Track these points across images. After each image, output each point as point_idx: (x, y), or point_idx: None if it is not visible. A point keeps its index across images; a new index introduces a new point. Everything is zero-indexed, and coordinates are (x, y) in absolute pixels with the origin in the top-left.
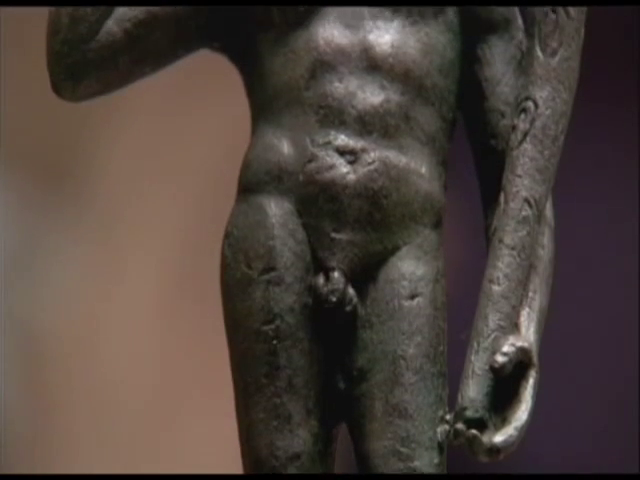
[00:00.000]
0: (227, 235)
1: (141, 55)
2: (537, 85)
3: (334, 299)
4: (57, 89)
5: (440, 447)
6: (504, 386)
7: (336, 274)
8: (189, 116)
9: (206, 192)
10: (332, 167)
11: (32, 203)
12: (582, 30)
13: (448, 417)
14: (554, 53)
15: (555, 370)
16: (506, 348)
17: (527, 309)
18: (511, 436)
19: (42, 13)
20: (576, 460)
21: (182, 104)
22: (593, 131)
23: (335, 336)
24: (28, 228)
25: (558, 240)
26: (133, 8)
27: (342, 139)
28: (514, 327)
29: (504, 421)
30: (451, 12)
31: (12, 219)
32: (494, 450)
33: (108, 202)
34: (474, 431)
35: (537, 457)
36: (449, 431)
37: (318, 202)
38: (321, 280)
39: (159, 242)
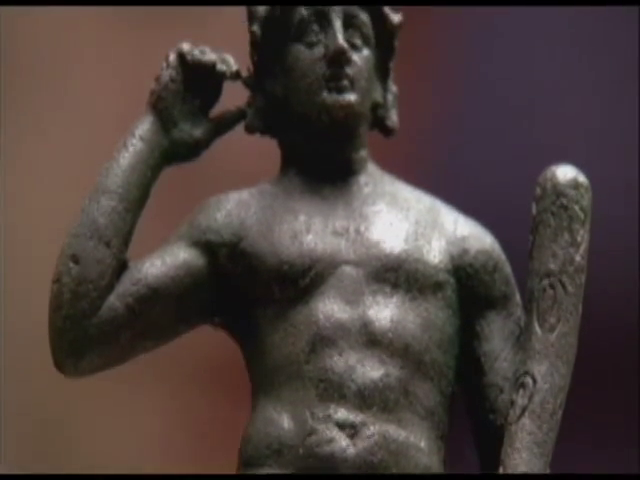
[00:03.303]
0: None
1: (143, 330)
2: (535, 360)
3: None
4: (59, 365)
5: None
6: None
7: None
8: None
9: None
10: (332, 441)
11: None
12: (580, 306)
13: None
14: (552, 329)
15: None
16: None
17: None
18: None
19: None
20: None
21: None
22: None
23: None
24: None
25: None
26: (135, 282)
27: (342, 413)
28: None
29: None
30: (449, 288)
31: None
32: None
33: None
34: None
35: None
36: None
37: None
38: None
39: None
